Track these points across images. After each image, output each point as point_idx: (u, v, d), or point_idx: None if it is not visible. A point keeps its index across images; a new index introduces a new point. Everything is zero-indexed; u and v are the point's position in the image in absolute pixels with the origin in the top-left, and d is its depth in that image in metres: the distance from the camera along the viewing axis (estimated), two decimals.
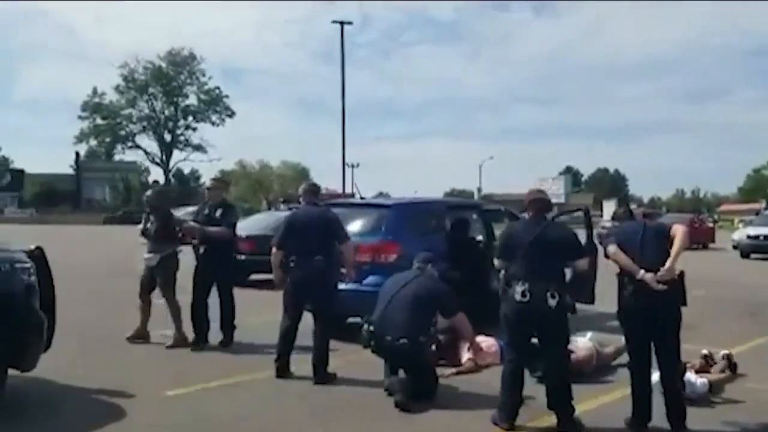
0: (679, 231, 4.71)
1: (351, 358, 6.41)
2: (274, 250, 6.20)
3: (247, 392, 5.69)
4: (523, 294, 4.61)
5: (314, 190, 6.41)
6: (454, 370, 6.25)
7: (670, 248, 4.67)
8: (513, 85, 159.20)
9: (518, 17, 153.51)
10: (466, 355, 6.38)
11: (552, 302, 4.57)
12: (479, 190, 69.16)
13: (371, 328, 5.51)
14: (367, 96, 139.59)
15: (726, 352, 6.35)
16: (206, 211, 7.50)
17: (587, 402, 5.41)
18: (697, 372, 5.76)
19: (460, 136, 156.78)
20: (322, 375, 5.90)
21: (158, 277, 7.37)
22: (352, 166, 57.75)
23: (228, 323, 7.39)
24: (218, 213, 7.40)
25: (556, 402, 4.72)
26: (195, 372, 6.24)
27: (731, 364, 6.23)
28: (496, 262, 5.02)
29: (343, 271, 6.23)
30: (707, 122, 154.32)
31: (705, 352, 6.25)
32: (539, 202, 4.98)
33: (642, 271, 4.61)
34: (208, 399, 5.48)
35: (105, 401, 5.30)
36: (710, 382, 5.55)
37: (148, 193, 7.95)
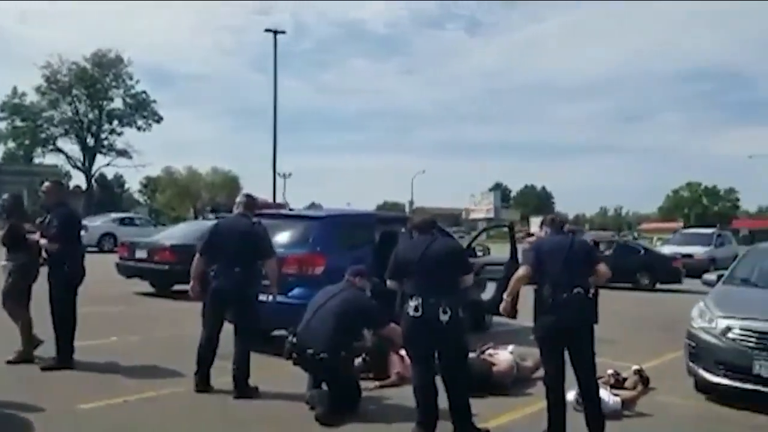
0: (602, 269, 4.93)
1: (275, 371, 6.33)
2: (197, 256, 6.10)
3: (165, 406, 5.55)
4: (416, 309, 4.71)
5: (250, 203, 6.30)
6: (378, 383, 6.26)
7: (594, 269, 4.88)
8: (447, 102, 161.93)
9: (452, 36, 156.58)
10: (394, 369, 6.40)
11: (444, 317, 4.66)
12: (411, 203, 69.73)
13: (294, 340, 5.47)
14: (302, 106, 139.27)
15: (637, 367, 6.56)
16: (46, 219, 6.70)
17: (506, 414, 5.53)
18: (611, 387, 5.95)
19: (395, 149, 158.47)
20: (242, 389, 5.80)
21: (4, 286, 6.78)
22: (284, 176, 57.42)
23: (63, 341, 6.56)
24: (53, 221, 6.58)
25: (456, 415, 4.81)
26: (110, 385, 6.03)
27: (643, 379, 6.45)
28: (387, 282, 5.05)
29: (266, 283, 6.13)
30: (631, 144, 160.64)
31: (610, 371, 6.32)
32: (425, 221, 5.16)
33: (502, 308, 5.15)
34: (124, 413, 5.32)
35: (14, 416, 5.06)
36: (622, 400, 5.73)
37: (4, 196, 7.42)
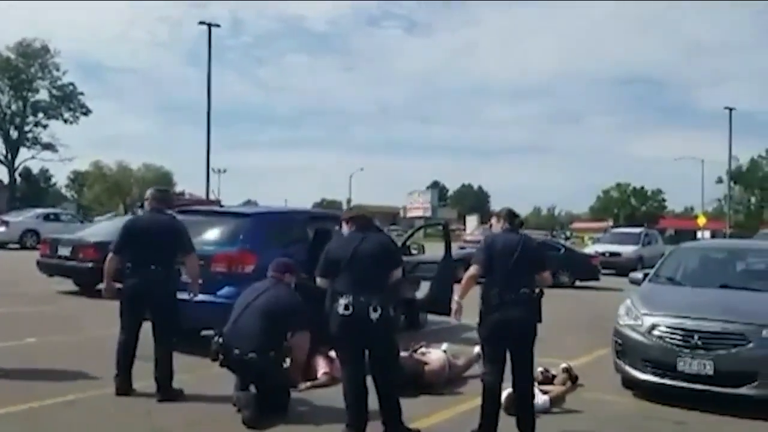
0: (545, 276, 5.00)
1: (201, 373, 6.14)
2: (110, 255, 5.86)
3: (83, 411, 5.31)
4: (345, 307, 4.62)
5: (161, 196, 5.99)
6: (308, 383, 6.13)
7: (540, 274, 4.93)
8: (386, 100, 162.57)
9: (391, 35, 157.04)
10: (321, 369, 6.28)
11: (374, 315, 4.59)
12: (349, 201, 69.58)
13: (220, 340, 5.29)
14: (239, 102, 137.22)
15: (565, 365, 6.63)
16: None
17: (437, 414, 5.49)
18: (540, 384, 5.99)
19: (333, 147, 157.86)
20: (166, 391, 5.58)
21: None
22: (219, 172, 56.42)
23: None
24: None
25: (386, 416, 4.75)
26: (25, 389, 5.71)
27: (571, 377, 6.53)
28: (318, 280, 4.94)
29: (185, 279, 5.91)
30: (564, 145, 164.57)
31: (540, 368, 6.31)
32: (360, 218, 5.06)
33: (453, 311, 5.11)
34: (41, 418, 5.05)
35: None
36: (551, 398, 5.77)
37: None
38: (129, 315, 5.72)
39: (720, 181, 71.10)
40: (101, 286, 6.01)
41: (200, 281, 6.06)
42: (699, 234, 53.51)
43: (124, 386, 5.66)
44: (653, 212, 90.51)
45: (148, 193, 6.06)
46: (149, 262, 5.62)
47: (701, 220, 50.94)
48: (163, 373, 5.60)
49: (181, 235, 5.80)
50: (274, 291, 5.46)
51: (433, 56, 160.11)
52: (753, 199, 79.81)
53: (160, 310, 5.70)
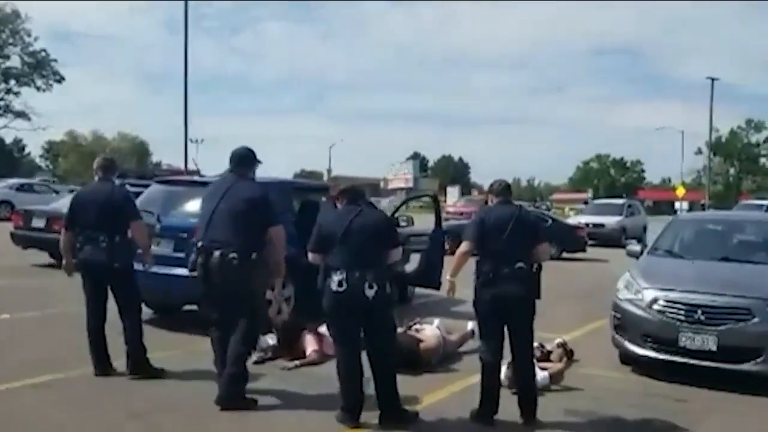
0: (542, 248, 4.78)
1: (184, 350, 5.89)
2: (62, 231, 5.61)
3: (62, 392, 5.04)
4: (339, 284, 4.39)
5: (107, 165, 5.74)
6: (297, 362, 5.89)
7: (535, 247, 4.70)
8: (365, 70, 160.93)
9: (369, 3, 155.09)
10: (310, 347, 6.04)
11: (370, 292, 4.37)
12: (329, 171, 69.10)
13: (200, 244, 4.87)
14: (217, 70, 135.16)
15: (560, 340, 6.44)
16: None
17: (434, 393, 5.29)
18: (538, 360, 5.79)
19: (312, 116, 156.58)
20: (135, 365, 5.39)
21: None
22: (196, 142, 55.50)
23: None
24: None
25: (383, 397, 4.53)
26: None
27: (567, 352, 6.35)
28: (309, 255, 4.68)
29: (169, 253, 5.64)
30: (544, 116, 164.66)
31: (536, 344, 6.19)
32: (350, 191, 4.81)
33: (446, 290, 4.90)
34: (17, 400, 4.79)
35: None
36: (551, 374, 5.60)
37: None
38: (87, 289, 5.52)
39: (699, 152, 71.79)
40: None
41: (179, 253, 5.77)
42: (677, 205, 53.91)
43: (102, 366, 5.42)
44: (632, 183, 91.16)
45: (96, 162, 5.82)
46: (96, 233, 5.40)
47: (680, 191, 51.18)
48: (135, 348, 5.41)
49: (122, 202, 5.51)
50: (237, 187, 4.94)
51: (412, 25, 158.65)
52: (732, 170, 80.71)
53: (118, 284, 5.47)
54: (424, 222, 10.77)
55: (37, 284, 10.15)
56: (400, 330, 5.86)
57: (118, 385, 5.24)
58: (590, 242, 21.04)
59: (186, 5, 28.84)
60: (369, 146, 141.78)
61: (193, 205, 7.18)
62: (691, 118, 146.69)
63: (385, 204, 25.01)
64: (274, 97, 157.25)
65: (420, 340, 6.05)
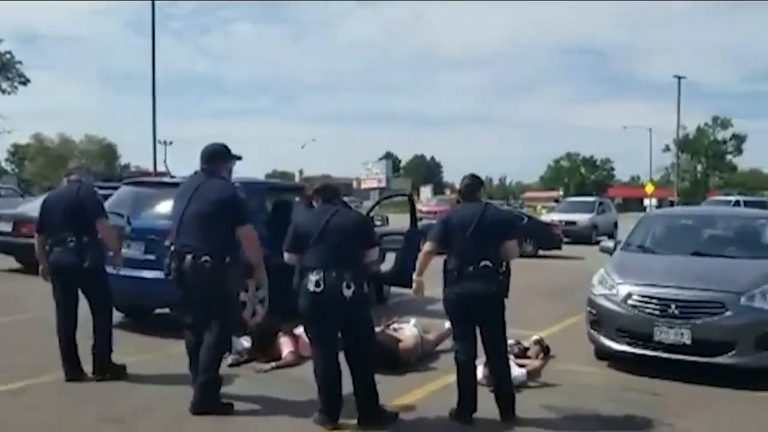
0: (509, 246, 4.67)
1: (158, 353, 5.78)
2: (35, 236, 5.56)
3: (37, 398, 4.94)
4: (316, 284, 4.32)
5: (73, 167, 5.79)
6: (273, 364, 5.82)
7: (502, 245, 4.63)
8: (336, 70, 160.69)
9: (339, 4, 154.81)
10: (286, 349, 5.96)
11: (347, 292, 4.30)
12: (301, 172, 68.72)
13: (173, 248, 4.77)
14: (186, 72, 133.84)
15: (537, 337, 6.45)
16: None
17: (413, 393, 5.25)
18: (516, 357, 5.79)
19: (284, 117, 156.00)
20: (101, 367, 5.34)
21: None
22: (165, 143, 54.83)
23: None
24: None
25: (362, 398, 4.48)
26: None
27: (544, 348, 6.35)
28: (285, 255, 4.60)
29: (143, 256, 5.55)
30: (515, 115, 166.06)
31: (512, 341, 6.06)
32: (325, 189, 4.72)
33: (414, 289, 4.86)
34: None
35: None
36: (528, 372, 5.60)
37: None
38: (57, 293, 5.44)
39: (667, 149, 72.73)
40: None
41: (154, 256, 5.66)
42: (646, 202, 54.68)
43: (73, 372, 5.31)
44: (602, 181, 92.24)
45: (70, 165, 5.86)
46: (64, 233, 5.34)
47: (649, 188, 51.89)
48: (99, 347, 5.35)
49: (89, 201, 5.43)
50: (207, 186, 4.80)
51: (383, 26, 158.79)
52: (699, 167, 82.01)
53: (85, 281, 5.39)
54: (399, 221, 10.76)
55: (4, 289, 9.93)
56: (378, 330, 5.82)
57: (92, 389, 5.13)
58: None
59: (153, 6, 28.49)
60: (341, 146, 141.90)
61: (164, 207, 7.08)
62: (659, 116, 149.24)
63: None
64: (245, 98, 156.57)
65: (399, 340, 6.01)
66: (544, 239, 18.49)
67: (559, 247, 18.47)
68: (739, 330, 5.56)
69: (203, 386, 4.64)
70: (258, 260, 4.88)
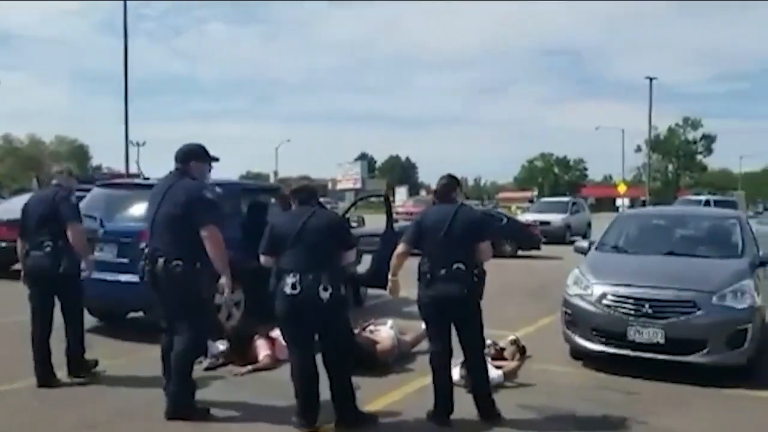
0: (482, 248, 4.63)
1: (132, 357, 5.70)
2: (18, 241, 5.54)
3: (13, 403, 4.89)
4: (293, 286, 4.29)
5: (53, 173, 5.75)
6: (250, 367, 5.78)
7: (476, 246, 4.60)
8: (311, 71, 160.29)
9: (313, 4, 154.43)
10: (262, 352, 5.93)
11: (324, 294, 4.28)
12: (276, 173, 68.41)
13: (146, 250, 4.71)
14: (159, 72, 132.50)
15: (512, 337, 6.49)
16: None
17: (390, 394, 5.26)
18: (493, 359, 5.82)
19: (259, 117, 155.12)
20: (77, 367, 5.42)
21: None
22: (138, 144, 54.26)
23: None
24: None
25: (339, 401, 4.47)
26: None
27: (520, 348, 6.39)
28: (261, 258, 4.57)
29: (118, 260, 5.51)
30: (489, 116, 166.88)
31: (489, 342, 6.09)
32: (302, 190, 4.66)
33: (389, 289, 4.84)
34: None
35: None
36: (504, 373, 5.62)
37: None
38: (33, 298, 5.42)
39: (639, 149, 73.73)
40: (18, 266, 5.54)
41: (127, 259, 5.60)
42: (618, 201, 55.30)
43: (45, 377, 5.25)
44: (575, 181, 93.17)
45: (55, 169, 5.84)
46: (40, 238, 5.35)
47: (621, 188, 52.49)
48: (72, 347, 5.42)
49: (60, 205, 5.38)
50: (177, 187, 4.69)
51: (357, 26, 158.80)
52: (670, 167, 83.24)
53: (60, 285, 5.39)
54: (375, 223, 10.74)
55: None
56: (355, 332, 5.81)
57: (67, 395, 5.08)
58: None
59: (125, 6, 28.13)
60: (316, 147, 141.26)
61: (137, 209, 7.00)
62: (632, 117, 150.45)
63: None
64: (219, 99, 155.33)
65: (376, 342, 6.01)
66: (524, 240, 18.62)
67: (539, 248, 18.62)
68: (711, 329, 5.65)
69: (175, 393, 4.59)
70: (222, 264, 4.62)
